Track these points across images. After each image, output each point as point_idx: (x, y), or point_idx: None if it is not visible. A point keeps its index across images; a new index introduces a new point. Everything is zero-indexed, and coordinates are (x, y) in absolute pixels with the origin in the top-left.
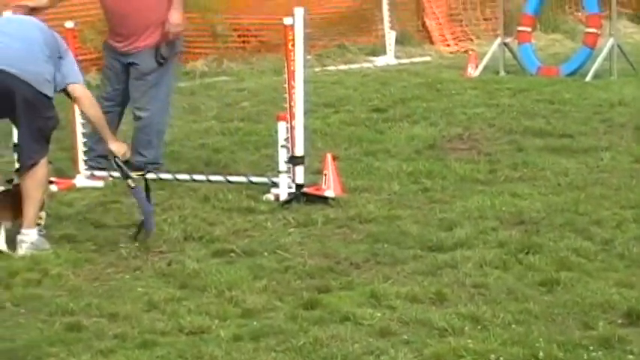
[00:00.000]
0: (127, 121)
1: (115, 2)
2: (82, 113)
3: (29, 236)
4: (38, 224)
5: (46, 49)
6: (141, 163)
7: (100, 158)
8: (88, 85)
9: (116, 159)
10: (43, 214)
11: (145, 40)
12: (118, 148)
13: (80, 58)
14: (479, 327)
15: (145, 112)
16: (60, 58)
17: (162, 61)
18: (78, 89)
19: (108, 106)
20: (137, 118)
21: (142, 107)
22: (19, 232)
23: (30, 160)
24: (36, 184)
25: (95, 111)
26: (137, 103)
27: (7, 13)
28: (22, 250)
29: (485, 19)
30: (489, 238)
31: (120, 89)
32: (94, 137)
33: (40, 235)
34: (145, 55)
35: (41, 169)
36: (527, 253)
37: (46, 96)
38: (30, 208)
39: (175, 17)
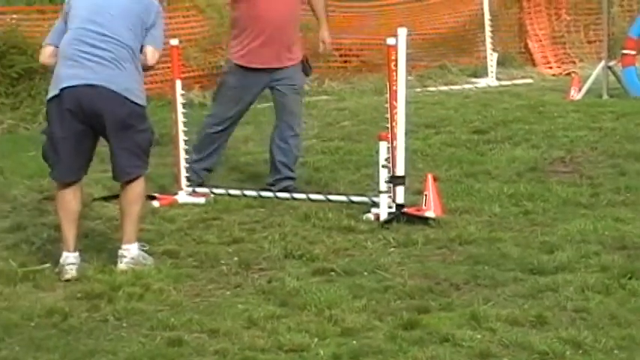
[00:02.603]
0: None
1: (274, 15)
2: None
3: (129, 251)
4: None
5: (141, 24)
6: (291, 184)
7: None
8: (191, 103)
9: None
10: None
11: (297, 52)
12: None
13: (183, 75)
14: (580, 352)
15: (300, 127)
16: (151, 26)
17: (309, 74)
18: (150, 52)
19: (224, 127)
20: (292, 136)
21: (299, 122)
22: (120, 248)
23: (126, 176)
24: (133, 200)
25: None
26: (295, 119)
27: None
28: (123, 264)
29: (589, 42)
30: (591, 262)
31: (244, 110)
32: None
33: (141, 249)
34: (298, 69)
35: (139, 185)
36: (630, 278)
37: (138, 105)
38: (128, 224)
39: (328, 35)
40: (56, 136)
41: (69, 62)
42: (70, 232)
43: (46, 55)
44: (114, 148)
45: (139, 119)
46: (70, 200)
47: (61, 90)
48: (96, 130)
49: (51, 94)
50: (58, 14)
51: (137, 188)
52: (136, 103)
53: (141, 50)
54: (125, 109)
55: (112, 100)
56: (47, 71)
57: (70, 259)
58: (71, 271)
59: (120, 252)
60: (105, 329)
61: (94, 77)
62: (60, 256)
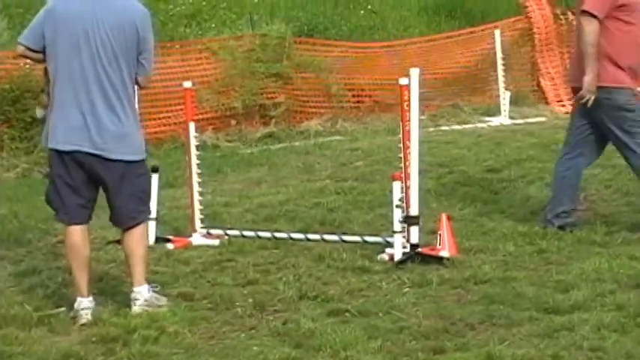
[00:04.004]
0: None
1: None
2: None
3: (141, 293)
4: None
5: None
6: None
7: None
8: (204, 145)
9: None
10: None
11: None
12: None
13: (196, 117)
14: None
15: None
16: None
17: None
18: (143, 81)
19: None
20: None
21: None
22: (131, 291)
23: (131, 222)
24: (138, 242)
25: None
26: None
27: None
28: (137, 307)
29: None
30: (607, 300)
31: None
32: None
33: (153, 290)
34: None
35: (141, 226)
36: None
37: (138, 161)
38: (136, 266)
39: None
40: (61, 181)
41: (71, 114)
42: (82, 278)
43: (18, 51)
44: (115, 196)
45: (139, 167)
46: (78, 244)
47: (62, 151)
48: (97, 180)
49: (51, 146)
50: None
51: (140, 230)
52: (136, 161)
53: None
54: (126, 169)
55: (112, 167)
56: None
57: (84, 303)
58: (86, 316)
59: (132, 295)
60: None
61: (93, 145)
62: (74, 300)
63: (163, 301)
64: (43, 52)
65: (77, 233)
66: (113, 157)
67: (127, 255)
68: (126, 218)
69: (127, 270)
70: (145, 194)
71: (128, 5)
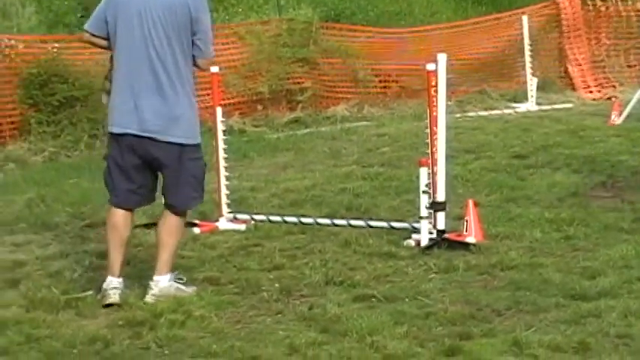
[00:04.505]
0: None
1: None
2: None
3: (158, 283)
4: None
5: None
6: None
7: None
8: (231, 130)
9: None
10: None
11: None
12: None
13: (224, 102)
14: None
15: None
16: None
17: None
18: (203, 64)
19: None
20: None
21: None
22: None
23: (184, 207)
24: (173, 232)
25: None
26: None
27: None
28: (149, 297)
29: (629, 66)
30: (634, 287)
31: None
32: None
33: (177, 280)
34: None
35: (182, 218)
36: None
37: (194, 145)
38: (163, 255)
39: None
40: (114, 164)
41: (124, 97)
42: (116, 257)
43: (84, 38)
44: (169, 179)
45: (193, 151)
46: (120, 225)
47: (116, 134)
48: (152, 166)
49: (109, 129)
50: None
51: (176, 220)
52: (190, 145)
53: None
54: (181, 151)
55: (166, 149)
56: (88, 99)
57: (113, 283)
58: (114, 296)
59: (150, 283)
60: (147, 357)
61: (141, 127)
62: (103, 282)
63: (188, 292)
64: (107, 38)
65: (120, 214)
66: (165, 139)
67: (157, 241)
68: (176, 200)
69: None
70: (196, 180)
71: None
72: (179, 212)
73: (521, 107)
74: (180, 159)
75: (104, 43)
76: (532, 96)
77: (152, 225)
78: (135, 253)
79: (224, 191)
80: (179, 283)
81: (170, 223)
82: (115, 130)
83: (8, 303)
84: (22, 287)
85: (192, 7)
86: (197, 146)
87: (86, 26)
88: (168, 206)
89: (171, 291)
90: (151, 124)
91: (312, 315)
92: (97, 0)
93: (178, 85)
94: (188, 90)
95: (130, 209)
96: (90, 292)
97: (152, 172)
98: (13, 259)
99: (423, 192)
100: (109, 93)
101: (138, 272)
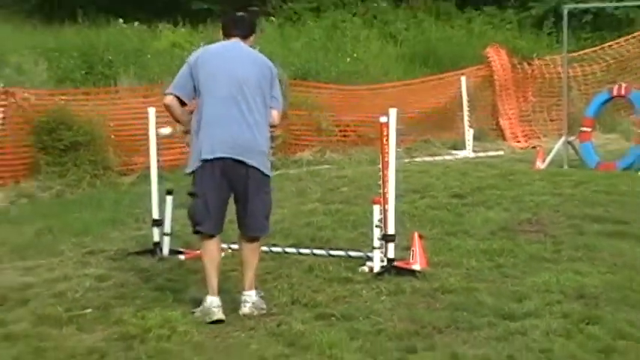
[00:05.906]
0: None
1: None
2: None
3: (251, 297)
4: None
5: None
6: None
7: None
8: None
9: None
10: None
11: None
12: None
13: None
14: None
15: None
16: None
17: None
18: (276, 117)
19: None
20: None
21: None
22: (241, 294)
23: (260, 234)
24: (254, 252)
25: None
26: None
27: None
28: (247, 308)
29: (551, 120)
30: (554, 309)
31: None
32: None
33: (260, 296)
34: None
35: (259, 241)
36: (587, 324)
37: (268, 176)
38: (249, 272)
39: None
40: (207, 193)
41: (210, 132)
42: (214, 279)
43: (167, 100)
44: (251, 203)
45: (268, 184)
46: (214, 250)
47: (211, 160)
48: (236, 190)
49: (204, 157)
50: (101, 95)
51: (257, 243)
52: (268, 176)
53: None
54: (261, 180)
55: (252, 174)
56: (90, 144)
57: (215, 302)
58: (218, 313)
59: (242, 297)
60: None
61: (234, 152)
62: (100, 303)
63: (265, 305)
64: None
65: (214, 242)
66: (253, 164)
67: (243, 261)
68: (255, 228)
69: (148, 276)
70: (268, 211)
71: (260, 55)
72: (258, 238)
73: (460, 154)
74: (260, 187)
75: (183, 110)
76: (469, 144)
77: (144, 252)
78: (127, 277)
79: None
80: (261, 297)
81: (253, 244)
82: (208, 156)
83: (19, 319)
84: (31, 305)
85: (272, 69)
86: (270, 181)
87: (174, 90)
88: (244, 231)
89: (260, 304)
90: (242, 150)
91: (280, 331)
92: (95, 60)
93: (262, 126)
94: (266, 133)
95: (217, 235)
96: (89, 310)
97: (228, 199)
98: (23, 281)
99: (376, 226)
100: (188, 144)
101: (130, 293)
